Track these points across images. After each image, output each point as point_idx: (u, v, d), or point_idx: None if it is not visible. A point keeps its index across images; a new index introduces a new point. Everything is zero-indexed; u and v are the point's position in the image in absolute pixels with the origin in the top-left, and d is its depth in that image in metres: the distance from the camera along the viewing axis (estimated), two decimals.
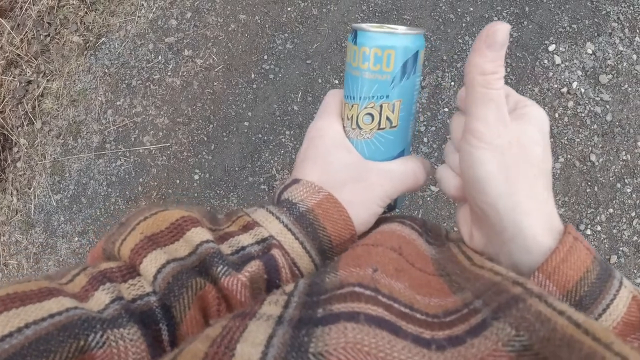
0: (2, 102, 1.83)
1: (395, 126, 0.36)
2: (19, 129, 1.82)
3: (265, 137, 1.66)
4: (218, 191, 1.65)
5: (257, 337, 0.20)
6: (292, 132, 1.65)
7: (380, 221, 0.38)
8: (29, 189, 1.78)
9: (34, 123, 1.80)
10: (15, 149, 1.83)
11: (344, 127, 0.37)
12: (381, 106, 0.35)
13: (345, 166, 0.35)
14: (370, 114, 0.36)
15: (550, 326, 0.20)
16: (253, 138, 1.66)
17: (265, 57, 1.70)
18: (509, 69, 1.61)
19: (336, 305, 0.22)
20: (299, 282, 0.27)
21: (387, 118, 0.36)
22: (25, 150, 1.80)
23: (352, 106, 0.36)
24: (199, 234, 0.29)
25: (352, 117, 0.36)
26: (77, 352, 0.21)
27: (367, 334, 0.20)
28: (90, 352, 0.22)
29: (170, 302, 0.26)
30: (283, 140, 1.65)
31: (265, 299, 0.25)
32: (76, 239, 1.72)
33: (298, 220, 0.32)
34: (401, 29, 0.34)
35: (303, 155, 0.37)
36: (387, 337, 0.20)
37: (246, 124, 1.67)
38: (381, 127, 0.36)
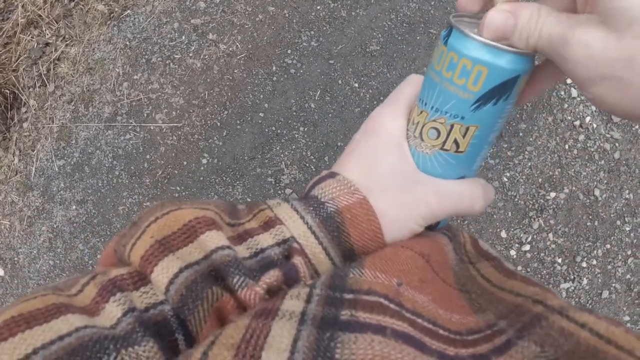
0: (17, 61, 1.81)
1: (461, 152, 0.31)
2: (31, 89, 1.80)
3: (279, 131, 1.66)
4: (224, 178, 1.65)
5: (281, 341, 0.20)
6: (306, 129, 1.66)
7: None
8: (32, 150, 1.75)
9: (46, 85, 1.78)
10: (23, 109, 1.80)
11: (407, 127, 0.32)
12: (452, 126, 0.29)
13: (393, 172, 0.31)
14: (436, 129, 0.30)
15: (574, 340, 0.20)
16: (266, 130, 1.66)
17: (289, 51, 1.70)
18: None
19: (362, 313, 0.22)
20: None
21: (455, 141, 0.30)
22: (34, 111, 1.77)
23: (421, 112, 0.31)
24: (213, 239, 0.27)
25: (417, 123, 0.31)
26: None
27: (394, 349, 0.20)
28: None
29: (184, 316, 0.24)
30: (296, 135, 1.65)
31: (287, 292, 0.24)
32: (74, 207, 1.69)
33: (324, 223, 0.29)
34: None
35: (352, 147, 0.33)
36: (412, 352, 0.20)
37: (261, 115, 1.67)
38: (445, 148, 0.30)
